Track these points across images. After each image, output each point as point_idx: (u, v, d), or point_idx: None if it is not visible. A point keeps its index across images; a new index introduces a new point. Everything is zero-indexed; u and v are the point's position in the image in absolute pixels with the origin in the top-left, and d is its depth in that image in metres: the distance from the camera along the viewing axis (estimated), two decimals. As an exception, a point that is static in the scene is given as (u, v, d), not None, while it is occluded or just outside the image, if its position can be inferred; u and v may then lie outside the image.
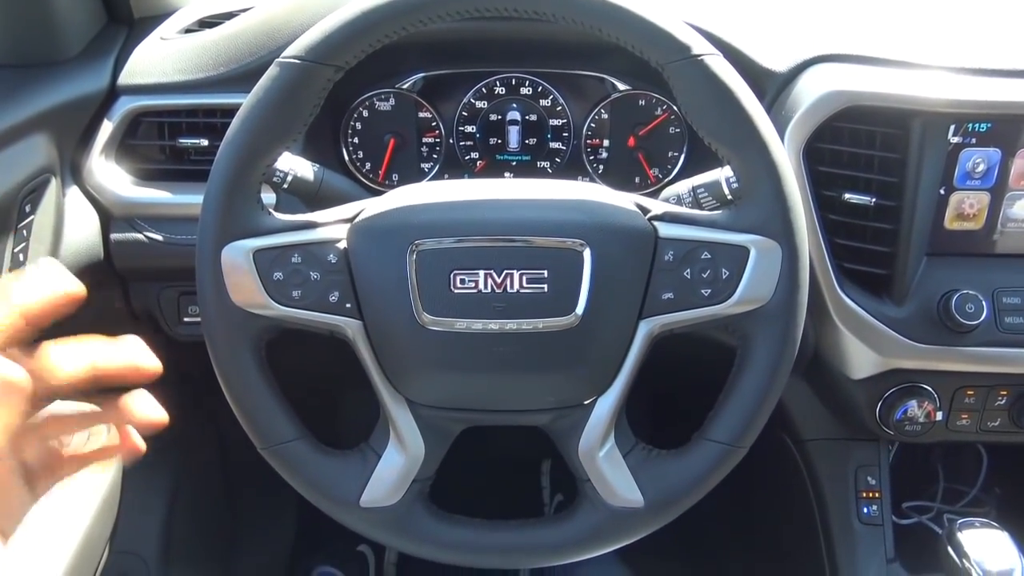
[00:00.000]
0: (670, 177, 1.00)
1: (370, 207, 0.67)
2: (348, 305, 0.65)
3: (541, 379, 0.66)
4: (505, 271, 0.63)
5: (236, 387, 0.66)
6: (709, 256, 0.64)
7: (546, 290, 0.63)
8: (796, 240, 0.64)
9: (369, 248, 0.65)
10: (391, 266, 0.64)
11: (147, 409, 0.48)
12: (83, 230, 0.90)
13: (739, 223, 0.64)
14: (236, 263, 0.64)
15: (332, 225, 0.66)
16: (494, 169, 1.01)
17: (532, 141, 1.00)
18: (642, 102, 0.99)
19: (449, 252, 0.63)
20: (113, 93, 0.92)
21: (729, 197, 0.76)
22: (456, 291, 0.63)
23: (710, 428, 0.66)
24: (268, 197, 0.88)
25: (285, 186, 0.80)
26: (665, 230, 0.65)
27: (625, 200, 0.67)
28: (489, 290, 0.63)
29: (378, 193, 0.74)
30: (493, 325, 0.63)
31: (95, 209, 0.91)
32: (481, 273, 0.63)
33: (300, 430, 0.67)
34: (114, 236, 0.92)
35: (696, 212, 0.67)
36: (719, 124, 0.64)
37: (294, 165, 0.80)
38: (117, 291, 0.98)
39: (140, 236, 0.92)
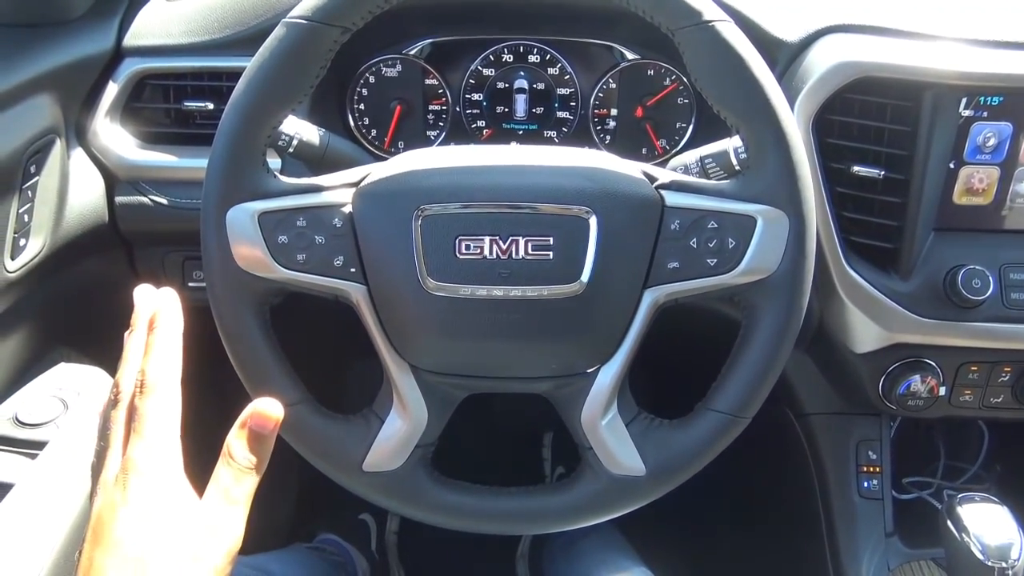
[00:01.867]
0: (677, 148, 1.00)
1: (376, 171, 0.66)
2: (352, 269, 0.64)
3: (545, 346, 0.65)
4: (510, 237, 0.62)
5: (240, 350, 0.66)
6: (716, 225, 0.63)
7: (551, 257, 0.62)
8: (803, 210, 0.63)
9: (374, 212, 0.64)
10: (396, 231, 0.63)
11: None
12: (88, 192, 0.90)
13: (746, 192, 0.64)
14: (241, 226, 0.63)
15: (337, 189, 0.65)
16: (500, 138, 1.01)
17: (539, 110, 0.99)
18: (650, 72, 0.98)
19: (454, 217, 0.63)
20: (118, 54, 0.91)
21: (737, 167, 0.76)
22: (461, 257, 0.63)
23: (713, 398, 0.66)
24: (273, 161, 0.88)
25: (290, 150, 0.79)
26: (672, 199, 0.64)
27: (632, 168, 0.66)
28: (494, 256, 0.62)
29: (383, 160, 0.74)
30: (498, 291, 0.62)
31: (100, 172, 0.91)
32: (486, 239, 0.62)
33: (303, 394, 0.67)
34: (119, 199, 0.92)
35: (703, 181, 0.67)
36: (729, 92, 0.63)
37: (300, 129, 0.80)
38: (121, 255, 0.98)
39: (145, 199, 0.92)
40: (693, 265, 0.64)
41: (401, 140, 1.01)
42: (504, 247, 0.62)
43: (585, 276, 0.63)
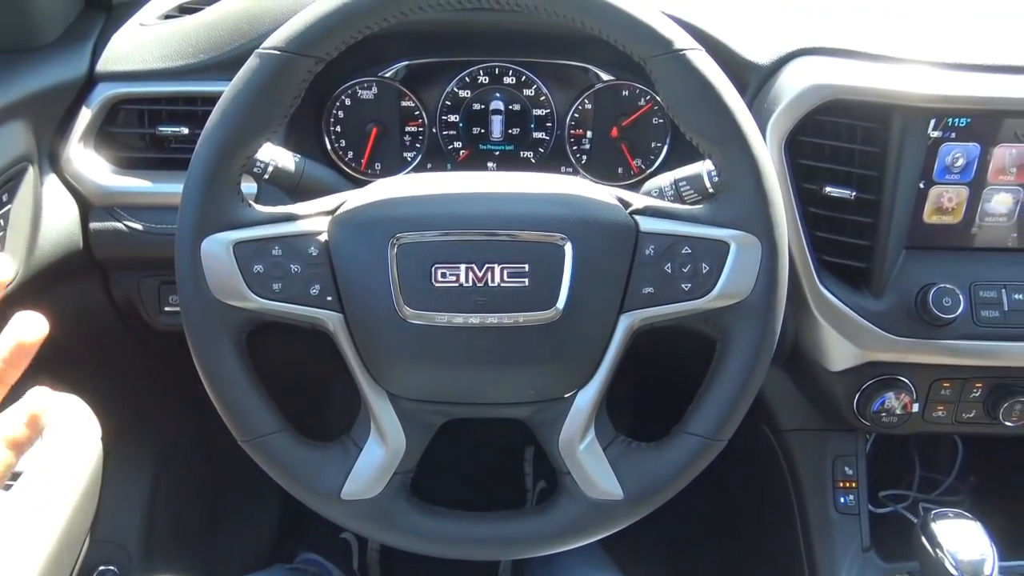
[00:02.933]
0: (653, 168, 1.00)
1: (351, 199, 0.66)
2: (329, 298, 0.64)
3: (522, 373, 0.66)
4: (486, 265, 0.63)
5: (216, 380, 0.65)
6: (689, 251, 0.64)
7: (527, 284, 0.63)
8: (776, 235, 0.64)
9: (350, 241, 0.64)
10: (372, 259, 0.63)
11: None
12: (62, 219, 0.89)
13: (719, 218, 0.64)
14: (216, 256, 0.63)
15: (313, 217, 0.66)
16: (477, 159, 1.01)
17: (515, 131, 1.00)
18: (625, 92, 0.98)
19: (430, 245, 0.63)
20: (91, 80, 0.90)
21: (711, 190, 0.76)
22: (437, 285, 0.63)
23: (689, 421, 0.67)
24: (249, 187, 0.88)
25: (266, 176, 0.79)
26: (646, 224, 0.65)
27: (606, 194, 0.67)
28: (470, 284, 0.63)
29: (360, 183, 0.74)
30: (474, 319, 0.63)
31: (74, 198, 0.90)
32: (462, 267, 0.63)
33: (281, 422, 0.67)
34: (93, 225, 0.91)
35: (677, 206, 0.67)
36: (701, 119, 0.63)
37: (275, 155, 0.79)
38: (97, 280, 0.97)
39: (120, 225, 0.91)
40: (668, 290, 0.64)
41: (378, 162, 1.00)
42: (480, 275, 0.63)
43: (561, 302, 0.63)
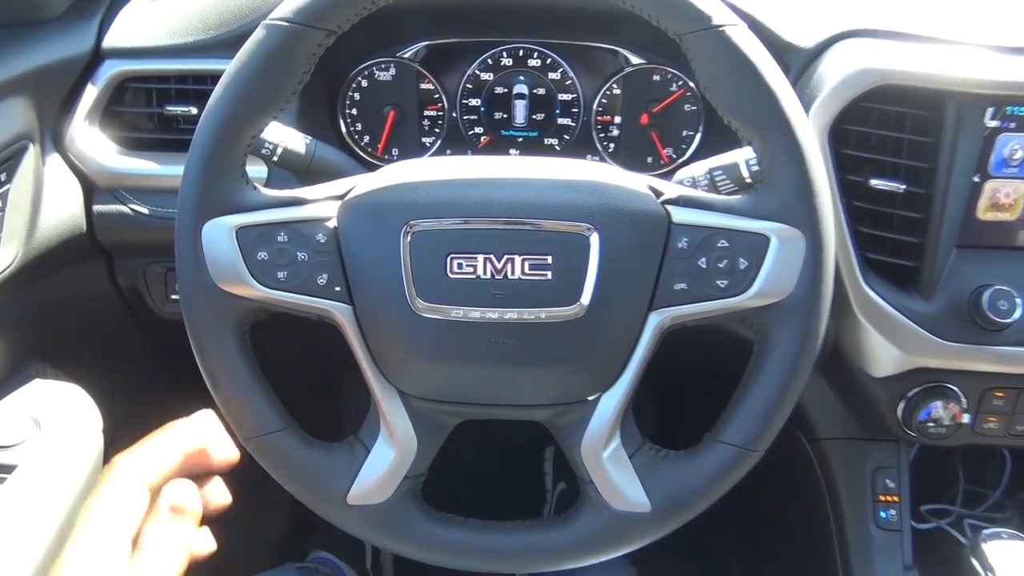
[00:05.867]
0: (684, 157, 0.97)
1: (362, 183, 0.63)
2: (337, 288, 0.61)
3: (542, 373, 0.62)
4: (506, 256, 0.59)
5: (217, 374, 0.63)
6: (726, 244, 0.60)
7: (550, 277, 0.59)
8: (821, 229, 0.59)
9: (360, 227, 0.61)
10: (383, 247, 0.60)
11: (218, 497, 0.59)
12: (64, 201, 0.87)
13: (759, 209, 0.60)
14: (217, 241, 0.60)
15: (321, 202, 0.62)
16: (499, 145, 0.98)
17: (540, 116, 0.97)
18: (656, 77, 0.95)
19: (445, 234, 0.60)
20: (98, 56, 0.88)
21: (748, 180, 0.73)
22: (452, 276, 0.59)
23: (723, 429, 0.63)
24: (259, 171, 0.85)
25: (275, 159, 0.77)
26: (679, 215, 0.61)
27: (637, 182, 0.63)
28: (488, 276, 0.59)
29: (376, 169, 0.70)
30: (492, 314, 0.59)
31: (77, 179, 0.89)
32: (480, 257, 0.59)
33: (285, 420, 0.64)
34: (97, 208, 0.89)
35: (713, 196, 0.63)
36: (740, 101, 0.59)
37: (284, 137, 0.77)
38: (101, 266, 0.95)
39: (124, 208, 0.89)
40: (702, 287, 0.60)
41: (395, 147, 0.98)
42: (499, 266, 0.59)
43: (586, 298, 0.59)
